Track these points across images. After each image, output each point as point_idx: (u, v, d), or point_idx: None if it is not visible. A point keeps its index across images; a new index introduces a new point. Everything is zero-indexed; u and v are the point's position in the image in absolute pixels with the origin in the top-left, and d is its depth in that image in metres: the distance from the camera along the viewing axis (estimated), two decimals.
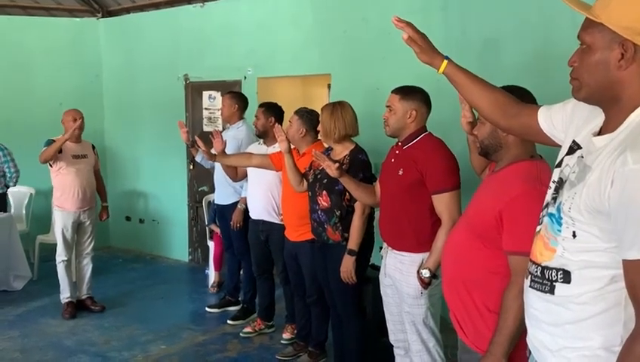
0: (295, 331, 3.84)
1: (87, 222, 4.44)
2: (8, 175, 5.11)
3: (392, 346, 2.77)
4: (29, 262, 5.18)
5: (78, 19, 6.43)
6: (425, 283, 2.45)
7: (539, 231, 1.38)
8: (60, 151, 4.21)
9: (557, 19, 3.01)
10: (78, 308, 4.45)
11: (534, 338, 1.39)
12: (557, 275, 1.28)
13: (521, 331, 1.61)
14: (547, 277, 1.31)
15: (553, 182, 1.37)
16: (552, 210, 1.32)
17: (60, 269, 4.35)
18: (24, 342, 3.97)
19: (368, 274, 3.20)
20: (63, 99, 5.57)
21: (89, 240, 4.50)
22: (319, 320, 3.56)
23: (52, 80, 6.09)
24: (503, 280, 1.73)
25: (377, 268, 2.95)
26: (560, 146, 1.45)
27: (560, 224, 1.27)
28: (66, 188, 4.29)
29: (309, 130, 3.41)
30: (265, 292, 4.11)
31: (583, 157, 1.27)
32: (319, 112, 3.28)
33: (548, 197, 1.38)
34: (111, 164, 6.29)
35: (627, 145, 1.13)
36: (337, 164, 2.73)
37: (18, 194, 5.66)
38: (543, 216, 1.37)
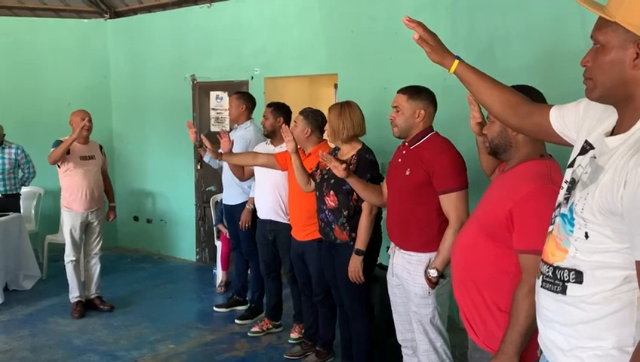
0: (302, 330, 3.84)
1: (95, 223, 4.47)
2: (27, 175, 5.22)
3: (400, 346, 2.78)
4: (38, 262, 5.22)
5: (85, 20, 6.47)
6: (432, 283, 2.45)
7: (551, 232, 1.38)
8: (68, 153, 4.23)
9: (566, 17, 3.00)
10: (86, 307, 4.48)
11: (546, 338, 1.38)
12: (569, 275, 1.28)
13: (532, 330, 1.61)
14: (559, 277, 1.31)
15: (565, 182, 1.37)
16: (564, 210, 1.32)
17: (69, 269, 4.38)
18: (34, 341, 3.99)
19: (376, 274, 3.20)
20: (71, 100, 5.61)
21: (97, 240, 4.53)
22: (326, 320, 3.56)
23: (60, 80, 6.14)
24: (513, 280, 1.73)
25: (385, 268, 2.95)
26: (571, 146, 1.44)
27: (572, 225, 1.27)
28: (74, 189, 4.32)
29: (314, 130, 3.41)
30: (272, 292, 4.11)
31: (595, 157, 1.27)
32: (325, 112, 3.29)
33: (560, 198, 1.37)
34: (119, 164, 6.32)
35: None
36: (344, 165, 2.73)
37: (27, 194, 5.70)
38: (555, 217, 1.37)
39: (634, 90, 1.20)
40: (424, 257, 2.52)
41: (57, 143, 4.23)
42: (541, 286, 1.38)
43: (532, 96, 1.70)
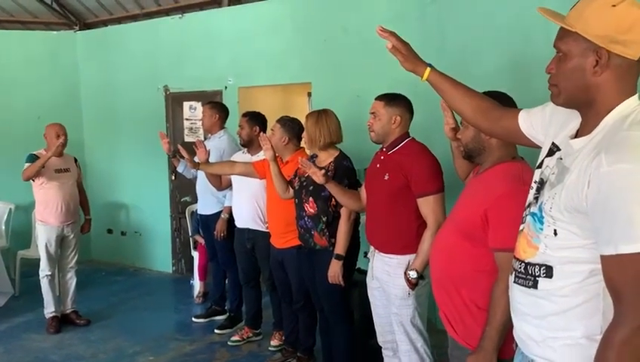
0: (283, 337, 3.86)
1: (71, 236, 4.41)
2: None
3: (381, 348, 2.83)
4: (10, 278, 5.11)
5: (54, 32, 6.39)
6: (412, 284, 2.51)
7: (522, 230, 1.45)
8: (43, 166, 4.18)
9: (533, 26, 3.12)
10: (62, 322, 4.40)
11: (520, 331, 1.45)
12: (540, 271, 1.35)
13: (509, 325, 1.67)
14: (530, 272, 1.38)
15: (535, 182, 1.44)
16: (534, 209, 1.39)
17: (44, 284, 4.31)
18: (9, 358, 3.91)
19: (355, 278, 3.25)
20: (41, 113, 5.53)
21: (72, 253, 4.47)
22: (307, 326, 3.59)
23: (30, 93, 6.04)
24: (490, 278, 1.80)
25: (363, 272, 3.01)
26: (540, 148, 1.53)
27: (542, 223, 1.34)
28: (49, 202, 4.26)
29: (291, 138, 3.46)
30: (251, 300, 4.13)
31: (561, 158, 1.35)
32: (301, 120, 3.34)
33: (530, 197, 1.45)
34: (91, 177, 6.23)
35: (602, 147, 1.20)
36: (323, 171, 2.79)
37: None
38: (526, 216, 1.44)
39: (595, 95, 1.28)
40: (403, 259, 2.58)
41: (31, 158, 4.17)
42: (514, 282, 1.45)
43: (502, 101, 1.79)
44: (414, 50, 1.73)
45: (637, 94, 1.28)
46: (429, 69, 1.70)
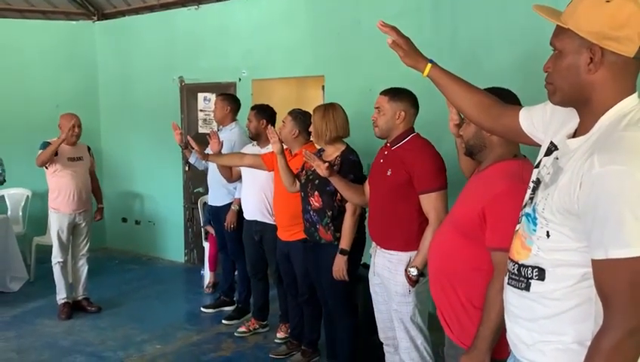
0: (289, 330, 3.87)
1: (83, 224, 4.47)
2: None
3: (382, 344, 2.82)
4: (26, 264, 5.20)
5: (73, 22, 6.46)
6: (413, 281, 2.50)
7: (517, 231, 1.42)
8: (56, 154, 4.23)
9: (545, 21, 3.06)
10: (74, 308, 4.48)
11: (512, 334, 1.43)
12: (532, 273, 1.33)
13: (503, 325, 1.65)
14: (523, 274, 1.35)
15: (532, 182, 1.41)
16: (528, 210, 1.36)
17: (56, 270, 4.38)
18: (20, 342, 4.00)
19: (360, 273, 3.24)
20: (59, 102, 5.61)
21: (84, 241, 4.53)
22: (311, 319, 3.60)
23: (48, 82, 6.12)
24: (487, 277, 1.77)
25: (369, 267, 2.99)
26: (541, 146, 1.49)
27: (535, 224, 1.31)
28: (61, 190, 4.32)
29: (301, 131, 3.45)
30: (259, 292, 4.15)
31: (558, 158, 1.31)
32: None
33: (526, 198, 1.42)
34: (107, 166, 6.32)
35: (596, 148, 1.17)
36: (327, 164, 2.78)
37: (15, 196, 5.70)
38: (522, 216, 1.41)
39: (590, 93, 1.24)
40: (404, 256, 2.56)
41: (44, 145, 4.23)
42: (507, 284, 1.42)
43: (505, 97, 1.75)
44: (415, 46, 1.71)
45: (636, 93, 1.24)
46: (430, 64, 1.67)
